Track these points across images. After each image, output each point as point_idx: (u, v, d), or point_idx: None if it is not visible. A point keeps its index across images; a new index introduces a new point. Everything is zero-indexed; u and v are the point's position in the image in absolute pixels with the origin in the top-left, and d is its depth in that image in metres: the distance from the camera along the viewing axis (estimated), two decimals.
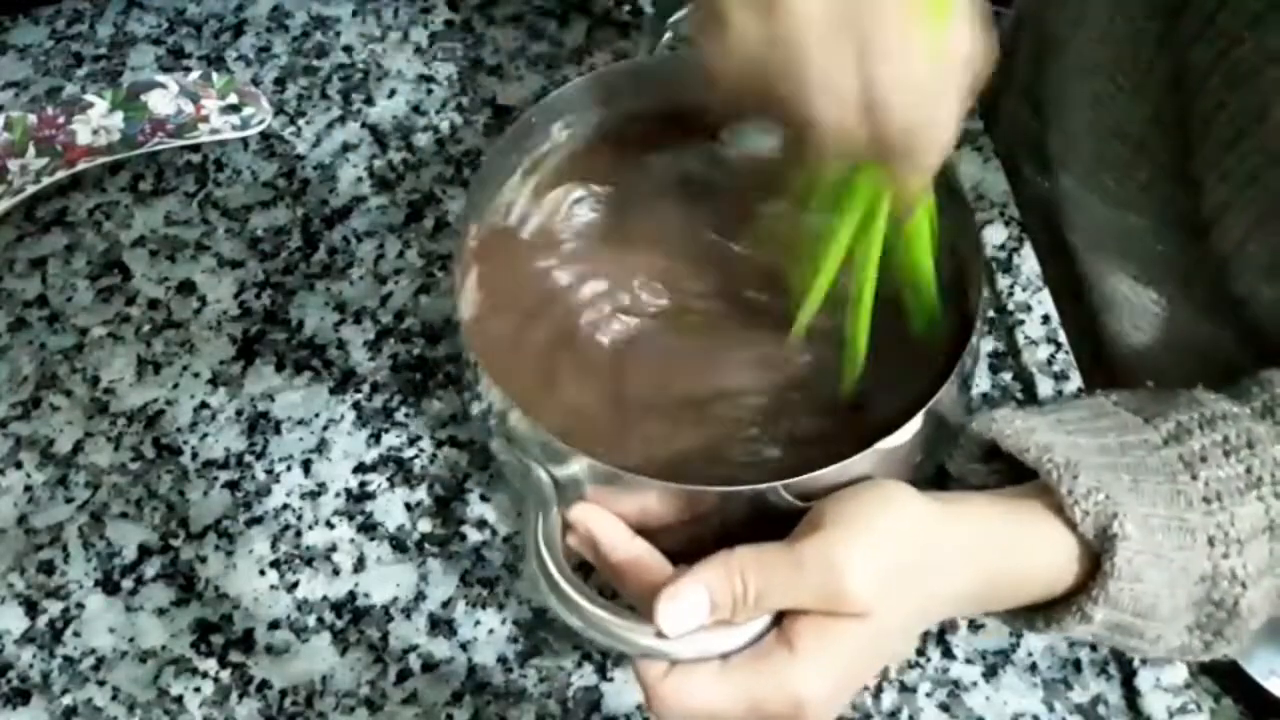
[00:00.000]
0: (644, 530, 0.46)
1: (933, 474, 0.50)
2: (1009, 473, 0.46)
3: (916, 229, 0.48)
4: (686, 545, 0.43)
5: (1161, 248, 0.60)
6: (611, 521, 0.45)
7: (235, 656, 0.54)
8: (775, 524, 0.43)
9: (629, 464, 0.45)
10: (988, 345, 0.61)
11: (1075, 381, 0.59)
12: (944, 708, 0.52)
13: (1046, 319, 0.61)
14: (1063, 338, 0.61)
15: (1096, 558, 0.43)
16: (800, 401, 0.52)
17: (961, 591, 0.44)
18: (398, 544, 0.56)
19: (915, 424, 0.46)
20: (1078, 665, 0.53)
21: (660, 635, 0.41)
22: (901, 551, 0.42)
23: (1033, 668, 0.53)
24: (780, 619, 0.42)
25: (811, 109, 0.40)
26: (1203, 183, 0.55)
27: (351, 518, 0.57)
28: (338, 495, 0.58)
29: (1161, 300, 0.61)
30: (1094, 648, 0.53)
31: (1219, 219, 0.55)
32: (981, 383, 0.60)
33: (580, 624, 0.42)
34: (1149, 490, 0.44)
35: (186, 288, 0.64)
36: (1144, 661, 0.52)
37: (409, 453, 0.59)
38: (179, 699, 0.53)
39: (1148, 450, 0.46)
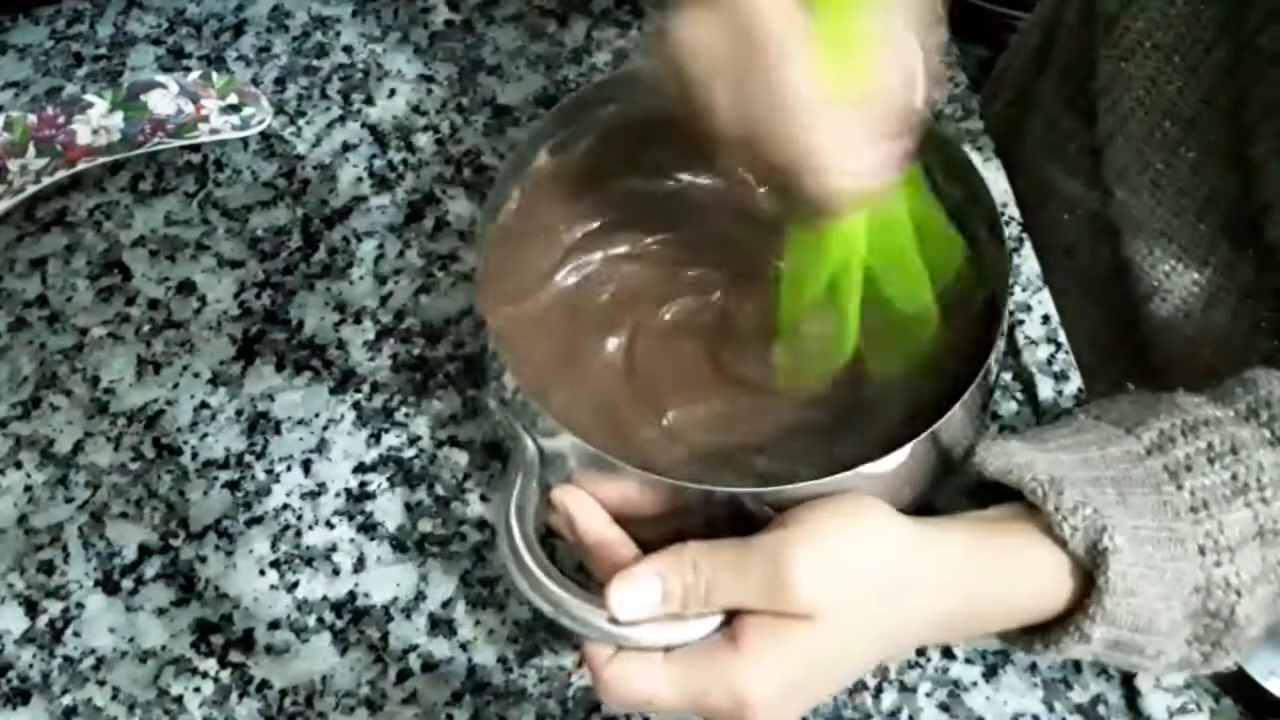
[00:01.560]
0: (626, 520, 0.46)
1: (924, 504, 0.49)
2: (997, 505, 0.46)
3: (900, 256, 0.48)
4: (668, 542, 0.43)
5: (1206, 229, 0.59)
6: (590, 504, 0.45)
7: (235, 656, 0.54)
8: (755, 532, 0.43)
9: (618, 451, 0.46)
10: None
11: (1075, 381, 0.59)
12: (944, 708, 0.52)
13: (1046, 319, 0.61)
14: (1063, 338, 0.61)
15: (1088, 575, 0.43)
16: (812, 414, 0.52)
17: (934, 614, 0.43)
18: (398, 544, 0.56)
19: (901, 455, 0.45)
20: (1078, 665, 0.53)
21: (613, 620, 0.41)
22: (861, 565, 0.42)
23: (1033, 668, 0.53)
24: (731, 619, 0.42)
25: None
26: (1259, 169, 0.55)
27: (351, 518, 0.57)
28: (338, 495, 0.58)
29: (1202, 282, 0.60)
30: None
31: (1275, 205, 0.54)
32: None
33: (535, 596, 0.43)
34: (1135, 502, 0.44)
35: (186, 288, 0.64)
36: None
37: (409, 453, 0.59)
38: (179, 699, 0.53)
39: (1131, 462, 0.45)
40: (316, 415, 0.60)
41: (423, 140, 0.69)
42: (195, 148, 0.69)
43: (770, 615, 0.41)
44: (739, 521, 0.45)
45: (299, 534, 0.57)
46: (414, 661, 0.54)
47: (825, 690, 0.44)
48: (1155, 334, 0.64)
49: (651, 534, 0.45)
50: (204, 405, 0.61)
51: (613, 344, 0.55)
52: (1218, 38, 0.55)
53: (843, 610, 0.41)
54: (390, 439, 0.59)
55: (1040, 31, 0.73)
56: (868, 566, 0.42)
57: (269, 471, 0.58)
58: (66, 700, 0.53)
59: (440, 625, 0.54)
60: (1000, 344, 0.48)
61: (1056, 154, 0.68)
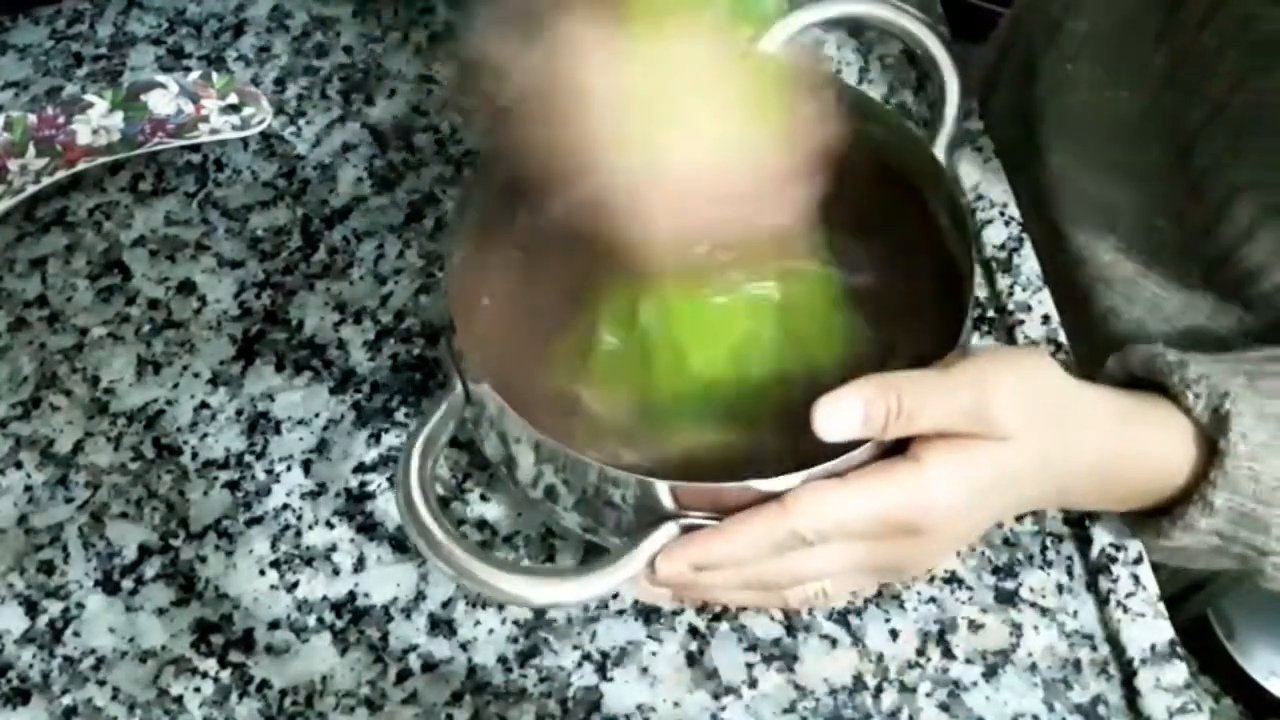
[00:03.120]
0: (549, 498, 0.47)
1: None
2: None
3: None
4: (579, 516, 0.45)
5: (1152, 223, 0.60)
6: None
7: (235, 656, 0.54)
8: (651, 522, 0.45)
9: (550, 428, 0.46)
10: (988, 345, 0.61)
11: None
12: (944, 708, 0.52)
13: (1046, 319, 0.61)
14: (1063, 337, 0.61)
15: (1213, 446, 0.45)
16: (769, 409, 0.52)
17: (1091, 457, 0.46)
18: (398, 544, 0.56)
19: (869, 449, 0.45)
20: (1078, 665, 0.53)
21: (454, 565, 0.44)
22: (1044, 393, 0.44)
23: (1033, 668, 0.53)
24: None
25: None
26: (1209, 172, 0.55)
27: (351, 518, 0.57)
28: (338, 495, 0.58)
29: (1149, 273, 0.61)
30: (1094, 647, 0.53)
31: (1229, 204, 0.54)
32: None
33: (411, 529, 0.44)
34: (1265, 386, 0.46)
35: (186, 288, 0.64)
36: (1143, 661, 0.52)
37: None
38: (179, 699, 0.53)
39: (1266, 359, 0.48)
40: (316, 415, 0.60)
41: (423, 140, 0.69)
42: (195, 148, 0.69)
43: (952, 436, 0.43)
44: (647, 511, 0.45)
45: (299, 534, 0.57)
46: (414, 661, 0.54)
47: (998, 509, 0.46)
48: (1105, 325, 0.64)
49: (573, 520, 0.47)
50: (204, 405, 0.61)
51: (578, 332, 0.54)
52: (1154, 48, 0.56)
53: (1030, 432, 0.43)
54: (390, 439, 0.59)
55: (995, 47, 0.74)
56: (1052, 395, 0.45)
57: (269, 471, 0.58)
58: (66, 700, 0.53)
59: (440, 625, 0.54)
60: (967, 333, 0.48)
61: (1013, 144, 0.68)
